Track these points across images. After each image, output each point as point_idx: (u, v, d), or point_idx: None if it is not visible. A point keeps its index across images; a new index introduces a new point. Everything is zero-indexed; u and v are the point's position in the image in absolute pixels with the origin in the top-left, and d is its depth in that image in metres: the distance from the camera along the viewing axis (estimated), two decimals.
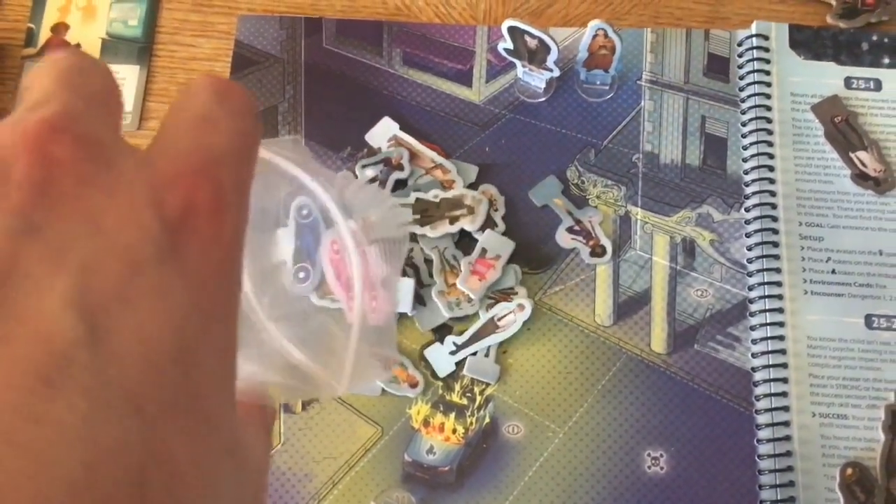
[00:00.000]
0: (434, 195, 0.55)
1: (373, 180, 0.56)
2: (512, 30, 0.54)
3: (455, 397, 0.52)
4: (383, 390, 0.52)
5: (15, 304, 0.17)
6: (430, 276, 0.54)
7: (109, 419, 0.16)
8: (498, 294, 0.54)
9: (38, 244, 0.17)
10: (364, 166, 0.57)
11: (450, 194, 0.55)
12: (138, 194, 0.19)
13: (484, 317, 0.53)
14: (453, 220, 0.54)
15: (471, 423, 0.51)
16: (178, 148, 0.20)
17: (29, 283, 0.17)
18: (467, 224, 0.54)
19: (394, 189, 0.56)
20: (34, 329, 0.16)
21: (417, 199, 0.55)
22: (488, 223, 0.55)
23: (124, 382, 0.16)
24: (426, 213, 0.54)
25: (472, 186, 0.56)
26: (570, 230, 0.55)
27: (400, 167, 0.56)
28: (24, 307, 0.17)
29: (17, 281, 0.17)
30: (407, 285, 0.53)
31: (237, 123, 0.22)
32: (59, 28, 0.62)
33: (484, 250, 0.54)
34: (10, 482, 0.15)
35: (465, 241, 0.55)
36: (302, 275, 0.54)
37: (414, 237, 0.54)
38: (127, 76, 0.60)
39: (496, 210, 0.55)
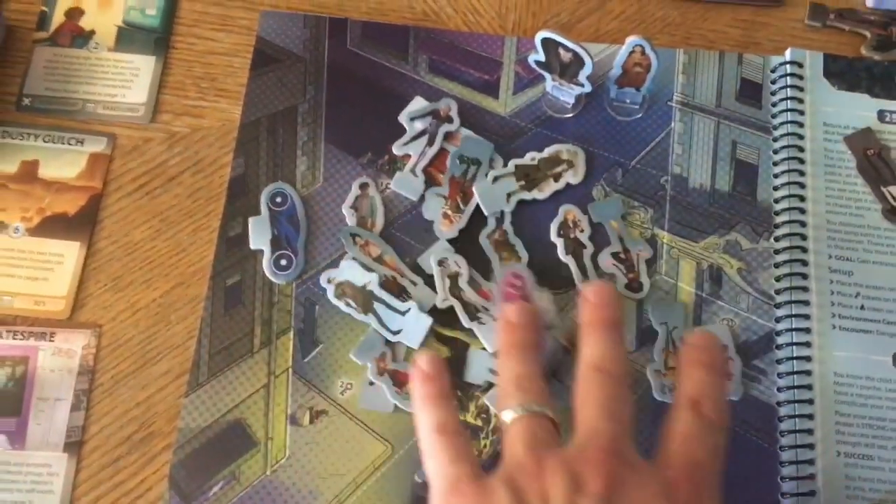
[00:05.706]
0: (531, 158, 0.55)
1: (422, 133, 0.56)
2: (546, 41, 0.53)
3: (469, 417, 0.50)
4: (396, 406, 0.50)
5: None
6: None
7: None
8: None
9: None
10: (412, 118, 0.56)
11: (545, 153, 0.56)
12: (656, 488, 0.35)
13: None
14: (557, 177, 0.55)
15: (484, 446, 0.49)
16: (674, 459, 0.37)
17: None
18: (570, 177, 0.55)
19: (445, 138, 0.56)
20: None
21: (517, 166, 0.55)
22: None
23: None
24: (528, 177, 0.54)
25: None
26: (614, 255, 0.53)
27: (449, 119, 0.56)
28: None
29: None
30: (424, 322, 0.51)
31: (716, 439, 0.38)
32: (74, 13, 0.60)
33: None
34: None
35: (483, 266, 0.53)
36: (283, 262, 0.53)
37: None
38: (142, 67, 0.58)
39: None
